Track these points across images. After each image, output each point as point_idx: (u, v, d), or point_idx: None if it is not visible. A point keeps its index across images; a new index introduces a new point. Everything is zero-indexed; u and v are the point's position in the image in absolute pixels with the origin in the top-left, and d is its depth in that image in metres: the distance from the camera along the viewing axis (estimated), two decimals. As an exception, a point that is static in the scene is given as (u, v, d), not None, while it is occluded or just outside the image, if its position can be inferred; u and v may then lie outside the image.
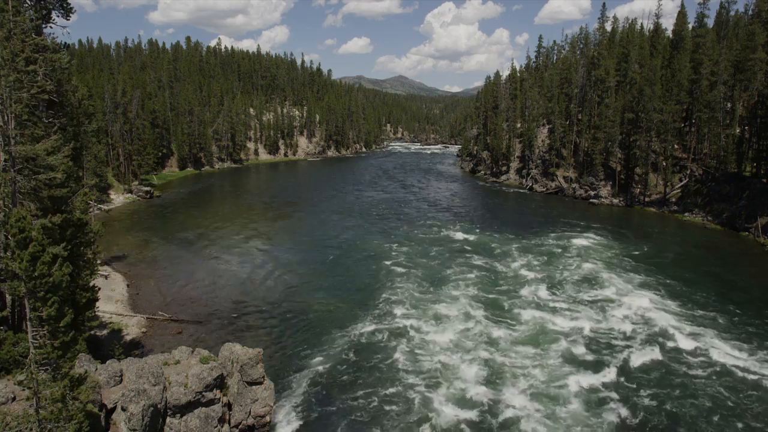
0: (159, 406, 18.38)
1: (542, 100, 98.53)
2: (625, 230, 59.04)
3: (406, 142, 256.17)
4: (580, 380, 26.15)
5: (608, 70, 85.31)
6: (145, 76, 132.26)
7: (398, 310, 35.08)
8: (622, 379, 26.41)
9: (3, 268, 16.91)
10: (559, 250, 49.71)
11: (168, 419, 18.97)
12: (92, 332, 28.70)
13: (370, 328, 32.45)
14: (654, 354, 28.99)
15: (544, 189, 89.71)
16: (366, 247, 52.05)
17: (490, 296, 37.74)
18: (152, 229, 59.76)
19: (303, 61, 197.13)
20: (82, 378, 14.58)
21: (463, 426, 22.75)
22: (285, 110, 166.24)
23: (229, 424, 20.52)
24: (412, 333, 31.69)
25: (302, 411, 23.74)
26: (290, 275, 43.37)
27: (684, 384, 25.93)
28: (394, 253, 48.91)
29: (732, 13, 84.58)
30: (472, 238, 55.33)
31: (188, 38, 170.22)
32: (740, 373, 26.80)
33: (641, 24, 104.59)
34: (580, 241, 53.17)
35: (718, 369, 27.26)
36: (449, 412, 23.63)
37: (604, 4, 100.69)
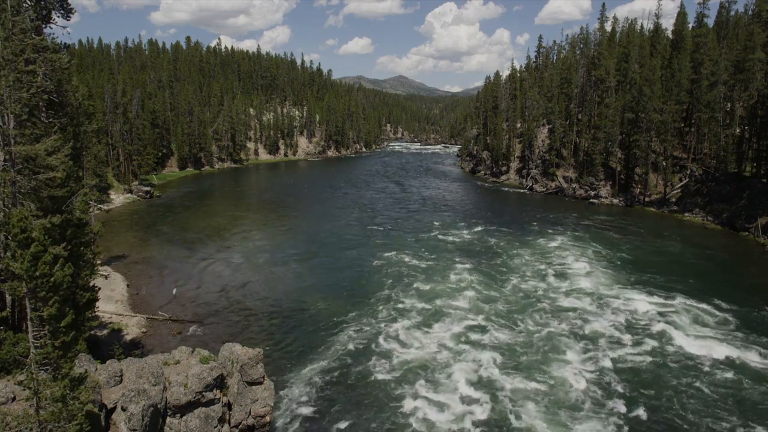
0: (159, 406, 18.39)
1: (542, 100, 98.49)
2: (624, 230, 59.04)
3: (406, 142, 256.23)
4: (579, 378, 26.18)
5: (608, 70, 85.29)
6: (145, 76, 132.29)
7: (398, 309, 35.10)
8: (620, 375, 26.41)
9: (3, 269, 16.91)
10: (559, 249, 49.68)
11: (168, 419, 18.97)
12: (92, 332, 28.72)
13: (371, 326, 32.47)
14: (652, 352, 29.01)
15: (544, 189, 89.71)
16: (366, 246, 52.07)
17: (490, 294, 37.74)
18: (152, 229, 59.77)
19: (303, 61, 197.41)
20: (82, 378, 14.56)
21: (463, 424, 22.77)
22: (285, 110, 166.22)
23: (229, 424, 20.52)
24: (412, 331, 31.70)
25: (302, 411, 23.75)
26: (290, 275, 43.40)
27: (681, 382, 25.91)
28: (393, 253, 48.91)
29: (732, 13, 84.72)
30: (471, 237, 55.34)
31: (188, 38, 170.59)
32: (740, 372, 26.79)
33: (641, 24, 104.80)
34: (579, 241, 53.19)
35: (717, 368, 27.26)
36: (450, 411, 23.66)
37: (603, 4, 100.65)
